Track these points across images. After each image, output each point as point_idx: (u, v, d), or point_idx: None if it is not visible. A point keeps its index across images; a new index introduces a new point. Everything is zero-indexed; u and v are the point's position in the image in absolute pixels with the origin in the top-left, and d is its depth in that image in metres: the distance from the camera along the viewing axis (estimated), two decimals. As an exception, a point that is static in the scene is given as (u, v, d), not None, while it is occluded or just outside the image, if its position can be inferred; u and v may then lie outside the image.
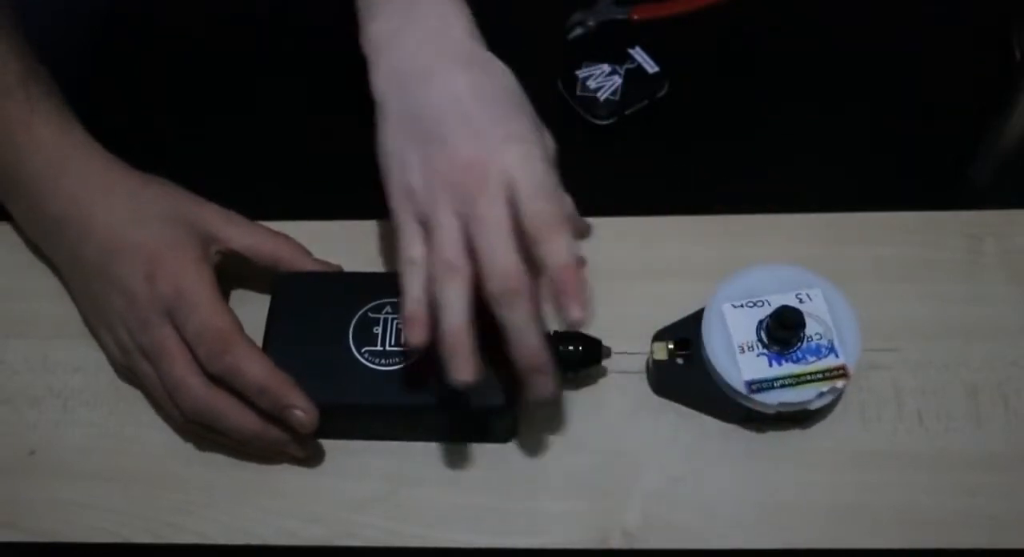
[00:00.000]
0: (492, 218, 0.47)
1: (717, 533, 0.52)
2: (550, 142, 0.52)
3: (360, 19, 0.54)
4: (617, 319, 0.57)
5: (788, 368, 0.52)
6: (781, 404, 0.52)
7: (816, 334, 0.52)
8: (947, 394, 0.56)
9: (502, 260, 0.47)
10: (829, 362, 0.52)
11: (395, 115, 0.51)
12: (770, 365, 0.52)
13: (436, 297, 0.47)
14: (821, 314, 0.53)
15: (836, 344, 0.52)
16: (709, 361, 0.53)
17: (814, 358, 0.52)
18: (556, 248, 0.47)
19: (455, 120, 0.49)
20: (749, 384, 0.52)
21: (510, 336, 0.47)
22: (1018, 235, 0.61)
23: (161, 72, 0.74)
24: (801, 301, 0.53)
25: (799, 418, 0.54)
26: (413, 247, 0.49)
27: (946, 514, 0.52)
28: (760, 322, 0.53)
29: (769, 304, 0.53)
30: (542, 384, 0.49)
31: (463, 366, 0.47)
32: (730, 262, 0.57)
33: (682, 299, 0.56)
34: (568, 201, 0.51)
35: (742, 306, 0.54)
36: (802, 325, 0.52)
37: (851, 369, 0.52)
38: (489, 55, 0.52)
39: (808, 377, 0.52)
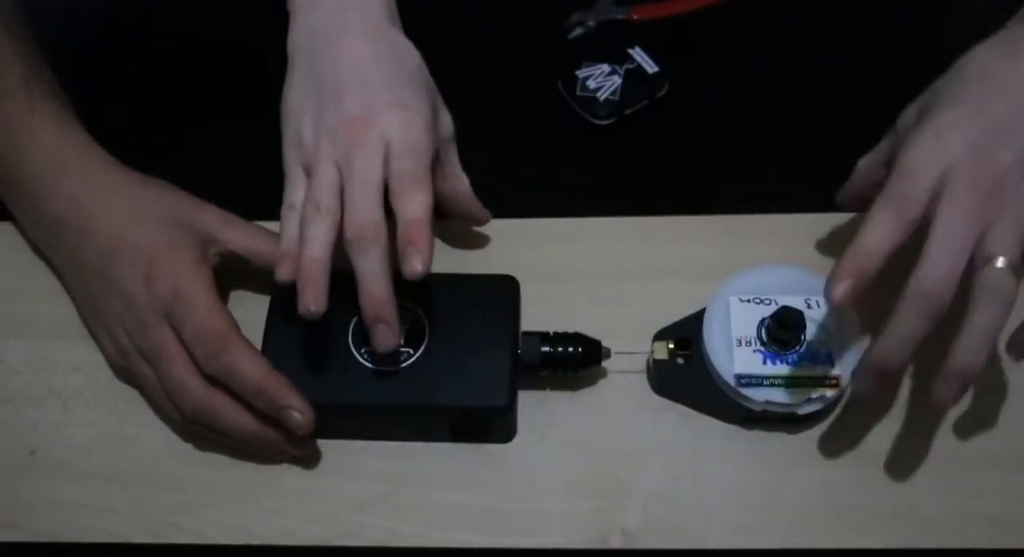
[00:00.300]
0: (364, 170, 0.50)
1: (717, 533, 0.52)
2: (447, 121, 0.56)
3: None
4: (617, 319, 0.57)
5: (781, 369, 0.52)
6: (768, 402, 0.52)
7: (817, 341, 0.52)
8: (947, 394, 0.56)
9: (362, 208, 0.50)
10: (823, 370, 0.52)
11: (301, 71, 0.55)
12: (764, 363, 0.52)
13: (302, 232, 0.51)
14: (827, 323, 0.53)
15: (835, 354, 0.52)
16: (705, 350, 0.53)
17: (809, 364, 0.52)
18: (411, 202, 0.50)
19: (351, 82, 0.53)
20: (739, 377, 0.52)
21: (359, 283, 0.50)
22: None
23: (161, 72, 0.74)
24: (809, 306, 0.53)
25: (797, 420, 0.54)
26: (295, 192, 0.53)
27: (946, 514, 0.52)
28: (762, 320, 0.53)
29: (776, 303, 0.53)
30: (383, 334, 0.50)
31: (311, 297, 0.49)
32: (730, 262, 0.58)
33: (682, 299, 0.56)
34: (464, 181, 0.57)
35: (748, 301, 0.54)
36: (802, 327, 0.52)
37: (844, 381, 0.52)
38: (398, 33, 0.56)
39: (799, 381, 0.52)
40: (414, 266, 0.49)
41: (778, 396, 0.52)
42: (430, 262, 0.49)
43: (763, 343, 0.53)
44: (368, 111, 0.52)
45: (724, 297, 0.54)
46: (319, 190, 0.51)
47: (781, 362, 0.52)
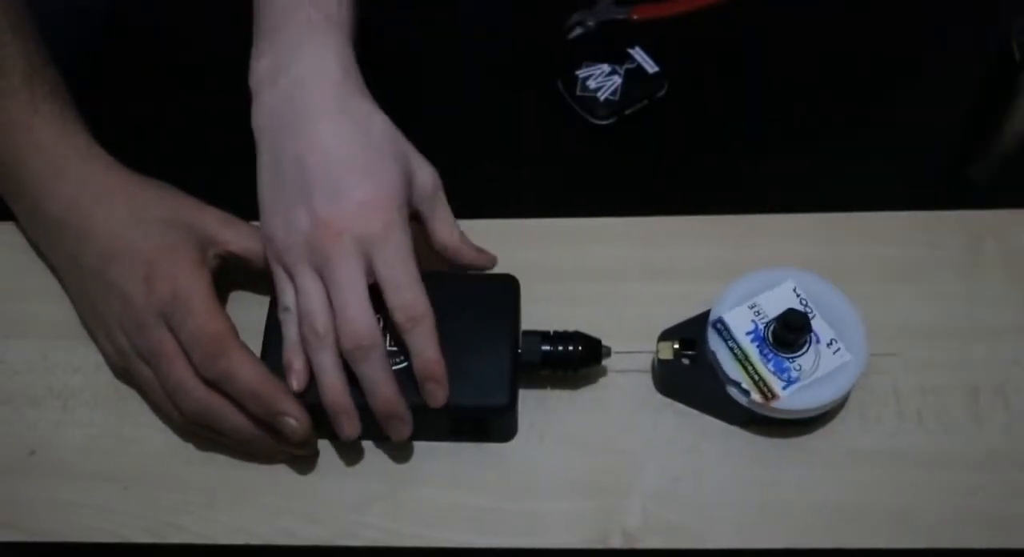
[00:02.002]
0: (345, 279, 0.50)
1: (717, 533, 0.52)
2: (426, 176, 0.55)
3: (252, 55, 0.56)
4: (617, 319, 0.57)
5: (751, 350, 0.52)
6: (713, 355, 0.53)
7: (797, 366, 0.52)
8: (947, 394, 0.56)
9: (352, 320, 0.50)
10: (775, 384, 0.52)
11: (267, 160, 0.54)
12: (747, 334, 0.53)
13: (310, 357, 0.51)
14: (827, 365, 0.52)
15: (799, 387, 0.52)
16: (724, 287, 0.54)
17: (773, 370, 0.52)
18: (421, 341, 0.51)
19: (318, 178, 0.51)
20: (719, 320, 0.53)
21: (364, 386, 0.51)
22: (1018, 235, 0.61)
23: (161, 72, 0.74)
24: (829, 345, 0.53)
25: (797, 422, 0.54)
26: (286, 295, 0.53)
27: (946, 514, 0.52)
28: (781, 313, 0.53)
29: (813, 312, 0.53)
30: (397, 428, 0.52)
31: (347, 424, 0.51)
32: (730, 262, 0.58)
33: (682, 299, 0.56)
34: (454, 234, 0.56)
35: (797, 295, 0.54)
36: (801, 336, 0.52)
37: (777, 404, 0.51)
38: (361, 103, 0.54)
39: (750, 369, 0.52)
40: (437, 400, 0.51)
41: (724, 359, 0.52)
42: (448, 389, 0.51)
43: (767, 326, 0.53)
44: (338, 214, 0.50)
45: (786, 274, 0.54)
46: (310, 310, 0.51)
47: (759, 347, 0.52)
